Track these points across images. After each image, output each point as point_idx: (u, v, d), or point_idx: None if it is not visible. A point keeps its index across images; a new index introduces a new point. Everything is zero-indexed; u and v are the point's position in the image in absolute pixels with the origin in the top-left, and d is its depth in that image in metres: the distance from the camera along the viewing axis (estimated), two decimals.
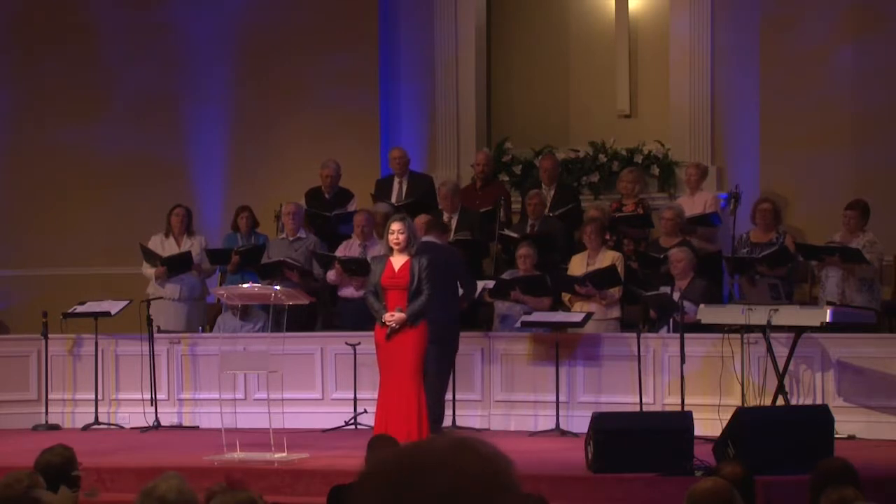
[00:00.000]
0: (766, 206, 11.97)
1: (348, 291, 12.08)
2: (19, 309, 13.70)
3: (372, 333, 9.93)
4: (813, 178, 12.72)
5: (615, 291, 11.67)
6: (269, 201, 13.23)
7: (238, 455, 9.51)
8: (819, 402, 10.39)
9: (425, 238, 10.55)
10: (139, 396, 11.64)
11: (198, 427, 11.66)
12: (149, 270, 12.55)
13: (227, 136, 14.18)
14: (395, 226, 9.78)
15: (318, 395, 11.67)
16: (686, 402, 10.28)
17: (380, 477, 1.86)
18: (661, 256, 11.76)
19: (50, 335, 11.83)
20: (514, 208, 13.20)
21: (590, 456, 8.83)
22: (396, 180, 13.21)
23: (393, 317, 9.60)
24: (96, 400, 11.71)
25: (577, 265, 11.87)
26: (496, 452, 1.89)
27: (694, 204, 12.55)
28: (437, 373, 10.45)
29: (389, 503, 1.83)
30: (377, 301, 9.76)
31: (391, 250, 9.81)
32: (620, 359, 11.06)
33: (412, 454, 1.87)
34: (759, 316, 10.26)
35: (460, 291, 10.70)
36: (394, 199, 12.98)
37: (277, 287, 10.34)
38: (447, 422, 10.90)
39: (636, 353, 10.81)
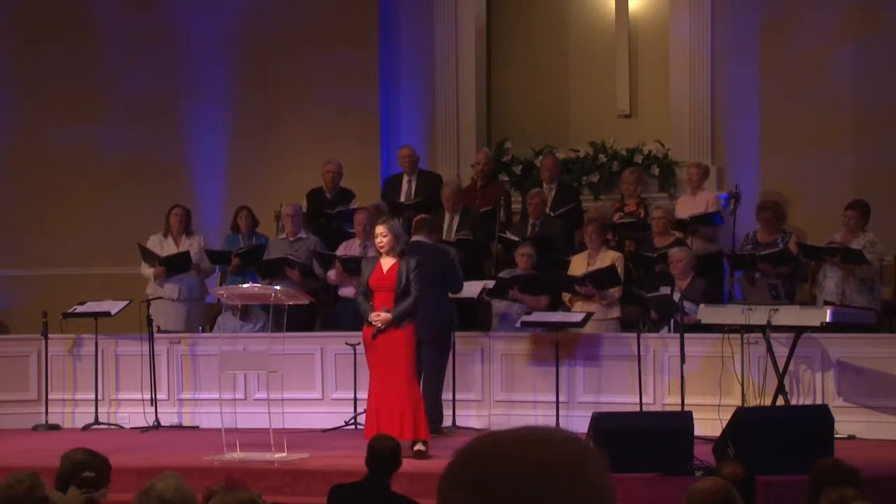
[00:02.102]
0: (765, 214, 11.96)
1: (348, 291, 12.06)
2: (19, 309, 13.69)
3: None
4: (813, 178, 12.71)
5: (615, 291, 11.66)
6: (269, 201, 13.22)
7: (238, 455, 9.50)
8: (819, 402, 10.39)
9: (415, 238, 10.53)
10: (139, 396, 11.64)
11: (198, 427, 11.65)
12: (147, 270, 12.55)
13: (227, 136, 14.17)
14: (379, 229, 9.74)
15: (318, 395, 11.67)
16: (686, 402, 10.28)
17: (464, 461, 1.87)
18: (655, 256, 11.77)
19: (50, 335, 11.83)
20: (515, 208, 13.20)
21: None
22: (405, 178, 13.21)
23: (379, 316, 9.58)
24: (96, 400, 11.71)
25: (578, 265, 11.86)
26: (585, 447, 1.90)
27: (696, 204, 12.53)
28: (433, 374, 10.44)
29: (470, 488, 1.84)
30: (365, 301, 9.74)
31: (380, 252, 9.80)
32: (620, 359, 11.05)
33: (498, 441, 1.88)
34: (759, 316, 10.26)
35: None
36: (402, 198, 12.97)
37: (277, 287, 10.33)
38: (447, 422, 10.90)
39: (636, 353, 10.80)
